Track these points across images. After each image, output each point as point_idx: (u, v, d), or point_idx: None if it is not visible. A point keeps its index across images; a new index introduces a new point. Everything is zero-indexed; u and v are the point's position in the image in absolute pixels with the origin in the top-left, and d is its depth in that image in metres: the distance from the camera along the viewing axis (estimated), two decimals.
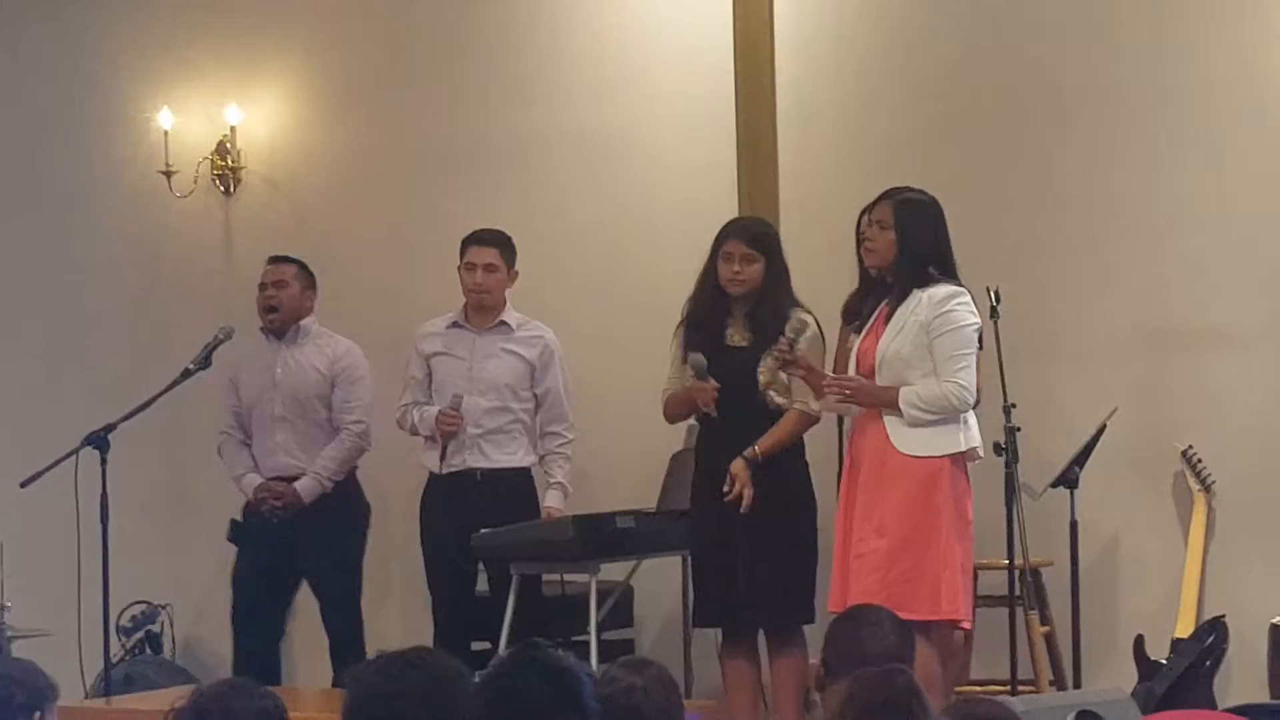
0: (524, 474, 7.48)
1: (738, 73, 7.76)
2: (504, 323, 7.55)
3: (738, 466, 6.64)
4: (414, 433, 7.56)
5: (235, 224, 8.89)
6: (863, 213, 6.63)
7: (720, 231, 6.87)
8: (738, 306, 6.82)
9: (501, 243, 7.53)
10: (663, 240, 7.91)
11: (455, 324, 7.58)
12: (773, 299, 6.75)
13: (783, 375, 6.73)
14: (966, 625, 6.45)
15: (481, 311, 7.53)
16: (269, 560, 7.82)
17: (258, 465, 7.87)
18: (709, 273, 6.84)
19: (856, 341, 6.51)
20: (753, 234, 6.88)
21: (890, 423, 6.33)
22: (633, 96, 8.18)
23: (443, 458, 7.42)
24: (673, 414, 7.00)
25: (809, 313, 6.78)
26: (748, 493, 6.61)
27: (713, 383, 6.68)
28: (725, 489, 6.63)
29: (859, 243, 6.61)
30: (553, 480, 7.48)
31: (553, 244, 8.20)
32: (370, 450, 7.87)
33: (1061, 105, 7.56)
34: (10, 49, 9.25)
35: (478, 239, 7.54)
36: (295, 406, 7.84)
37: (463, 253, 7.54)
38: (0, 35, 9.27)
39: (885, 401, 6.30)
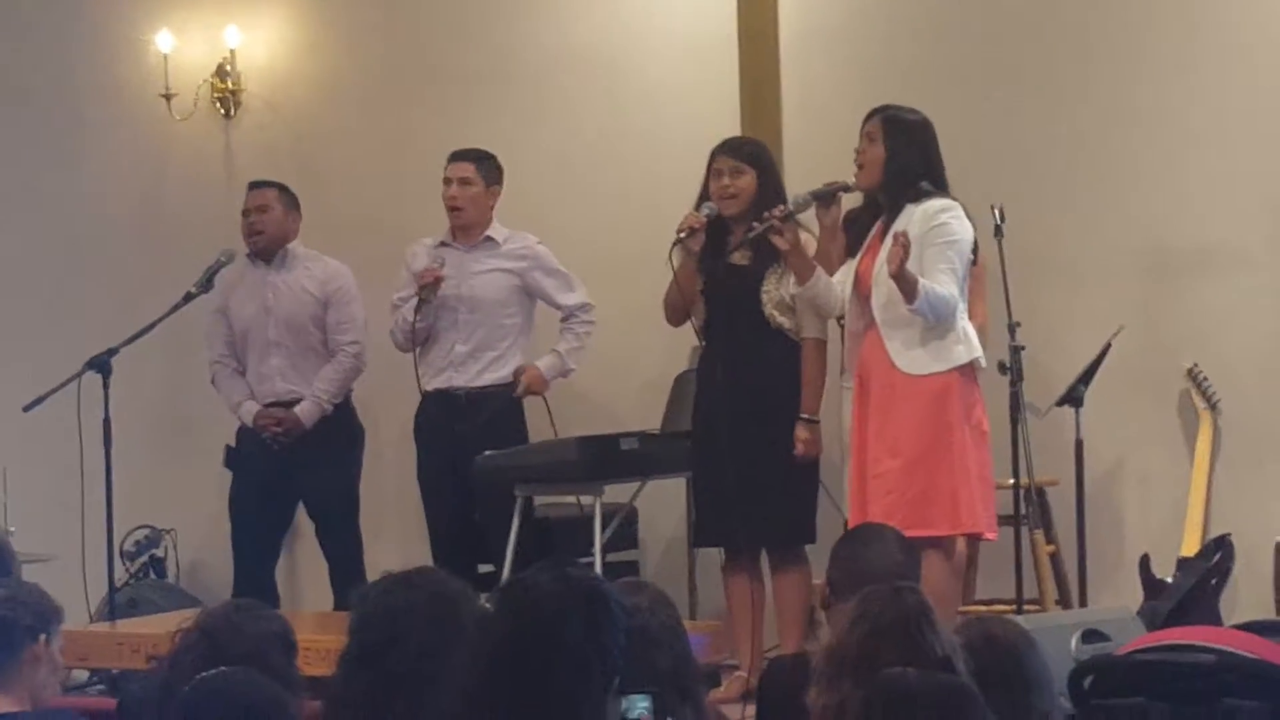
0: (510, 389, 7.45)
1: None
2: (490, 238, 7.53)
3: (801, 433, 6.66)
4: (405, 341, 7.49)
5: (236, 147, 8.84)
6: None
7: (710, 153, 6.84)
8: (737, 226, 6.79)
9: (478, 158, 7.50)
10: (665, 161, 7.85)
11: (443, 243, 7.56)
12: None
13: (785, 294, 6.69)
14: (990, 536, 6.45)
15: (464, 229, 7.50)
16: (264, 484, 7.81)
17: (253, 392, 7.86)
18: (703, 196, 6.80)
19: (854, 262, 6.47)
20: (739, 147, 6.87)
21: (892, 345, 6.28)
22: (634, 13, 8.12)
23: (417, 310, 7.37)
24: (669, 306, 6.94)
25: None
26: (816, 450, 6.72)
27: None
28: (799, 451, 6.66)
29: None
30: (553, 348, 7.49)
31: (555, 164, 8.16)
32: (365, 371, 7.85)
33: (1069, 24, 7.51)
34: None
35: (454, 155, 7.53)
36: (289, 331, 7.81)
37: (445, 170, 7.53)
38: None
39: (910, 280, 6.13)
